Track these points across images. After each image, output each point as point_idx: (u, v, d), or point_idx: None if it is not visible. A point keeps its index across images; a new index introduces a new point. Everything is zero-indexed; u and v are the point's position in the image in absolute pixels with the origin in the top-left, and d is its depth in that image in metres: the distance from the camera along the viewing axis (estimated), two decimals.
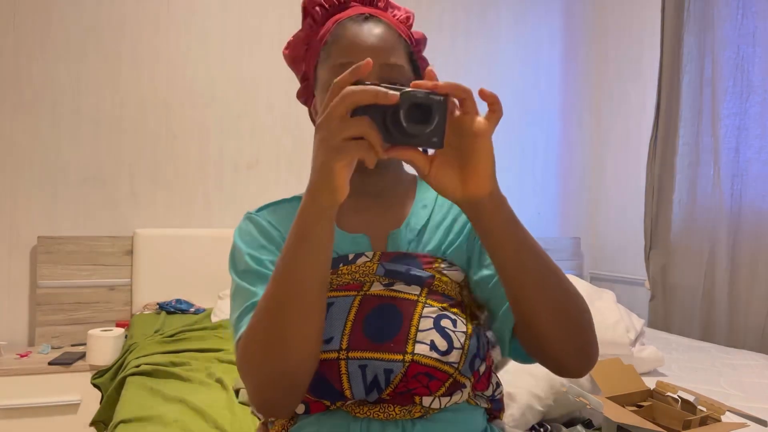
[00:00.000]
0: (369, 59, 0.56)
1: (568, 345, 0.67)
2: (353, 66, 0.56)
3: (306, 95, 0.88)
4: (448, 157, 0.60)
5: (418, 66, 0.82)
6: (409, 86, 0.56)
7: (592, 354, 0.69)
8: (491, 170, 0.59)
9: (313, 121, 0.88)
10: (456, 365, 0.70)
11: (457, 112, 0.59)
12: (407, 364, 0.68)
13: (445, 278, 0.75)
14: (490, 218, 0.62)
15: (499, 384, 0.80)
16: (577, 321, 0.67)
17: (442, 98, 0.55)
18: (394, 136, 0.55)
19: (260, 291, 0.71)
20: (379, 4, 0.85)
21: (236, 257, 0.77)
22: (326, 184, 0.57)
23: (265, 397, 0.66)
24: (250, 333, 0.66)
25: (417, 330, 0.70)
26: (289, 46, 0.87)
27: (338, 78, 0.56)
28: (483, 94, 0.57)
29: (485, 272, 0.76)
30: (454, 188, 0.60)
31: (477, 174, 0.59)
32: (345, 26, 0.77)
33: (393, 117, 0.54)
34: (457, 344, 0.70)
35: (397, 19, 0.84)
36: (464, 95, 0.57)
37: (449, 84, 0.56)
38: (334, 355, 0.69)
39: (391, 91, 0.54)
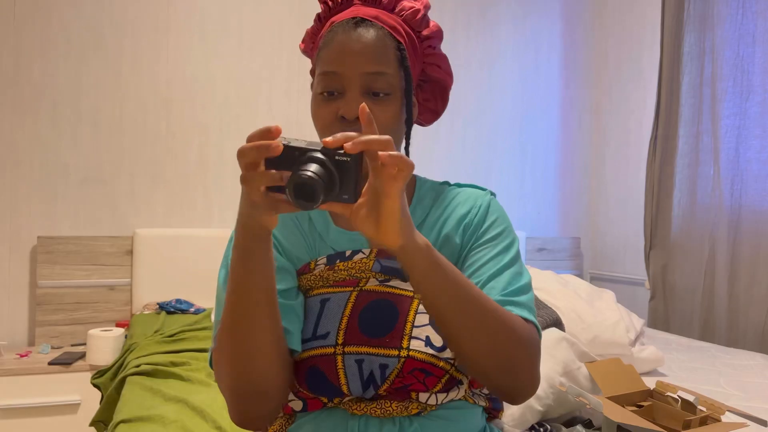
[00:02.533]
0: (278, 126, 0.56)
1: (501, 380, 0.68)
2: (262, 132, 0.55)
3: None
4: (366, 204, 0.58)
5: (409, 69, 0.77)
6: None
7: (528, 387, 0.70)
8: (396, 228, 0.58)
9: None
10: (452, 361, 0.70)
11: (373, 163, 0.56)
12: (403, 360, 0.69)
13: None
14: (406, 268, 0.63)
15: None
16: (510, 359, 0.67)
17: (348, 159, 0.53)
18: None
19: None
20: (384, 1, 0.80)
21: (222, 266, 0.77)
22: (256, 229, 0.60)
23: (238, 409, 0.68)
24: (216, 347, 0.69)
25: (412, 326, 0.71)
26: (303, 40, 0.88)
27: (242, 147, 0.55)
28: (383, 157, 0.54)
29: None
30: (371, 235, 0.59)
31: (386, 230, 0.58)
32: (335, 32, 0.74)
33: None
34: None
35: (402, 17, 0.79)
36: (380, 148, 0.54)
37: (363, 141, 0.54)
38: (331, 350, 0.70)
39: (275, 143, 0.53)
